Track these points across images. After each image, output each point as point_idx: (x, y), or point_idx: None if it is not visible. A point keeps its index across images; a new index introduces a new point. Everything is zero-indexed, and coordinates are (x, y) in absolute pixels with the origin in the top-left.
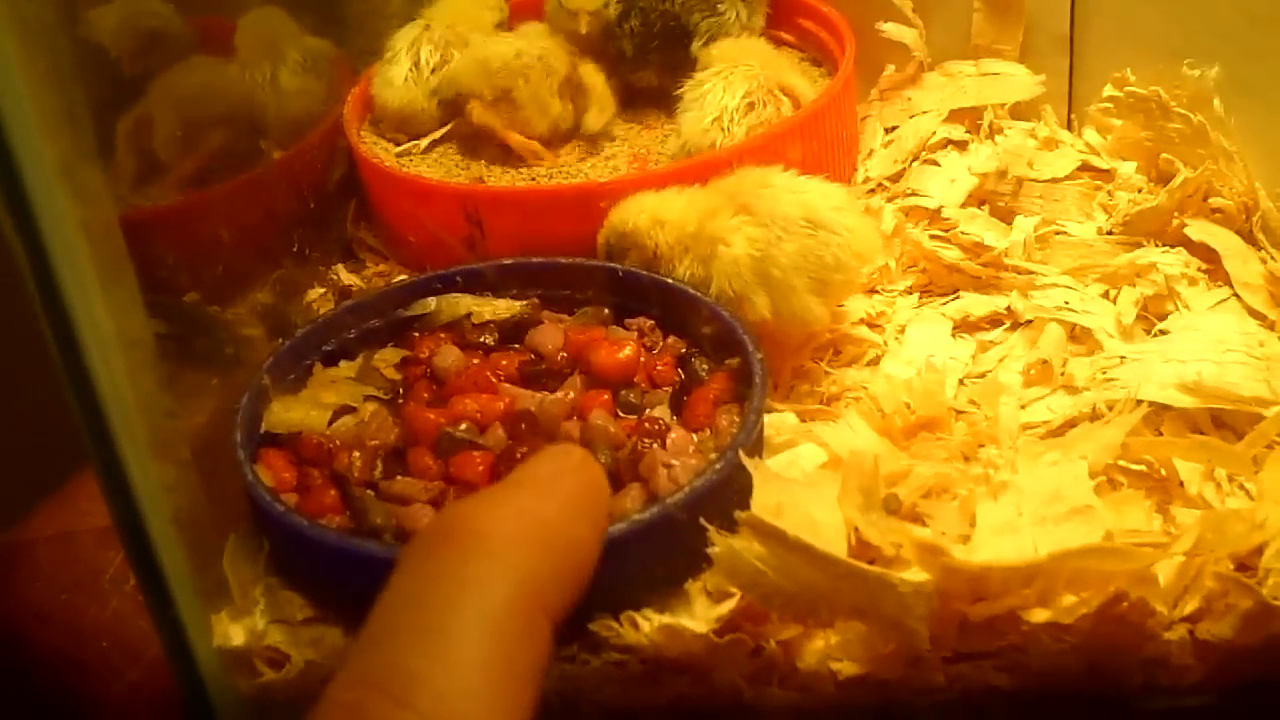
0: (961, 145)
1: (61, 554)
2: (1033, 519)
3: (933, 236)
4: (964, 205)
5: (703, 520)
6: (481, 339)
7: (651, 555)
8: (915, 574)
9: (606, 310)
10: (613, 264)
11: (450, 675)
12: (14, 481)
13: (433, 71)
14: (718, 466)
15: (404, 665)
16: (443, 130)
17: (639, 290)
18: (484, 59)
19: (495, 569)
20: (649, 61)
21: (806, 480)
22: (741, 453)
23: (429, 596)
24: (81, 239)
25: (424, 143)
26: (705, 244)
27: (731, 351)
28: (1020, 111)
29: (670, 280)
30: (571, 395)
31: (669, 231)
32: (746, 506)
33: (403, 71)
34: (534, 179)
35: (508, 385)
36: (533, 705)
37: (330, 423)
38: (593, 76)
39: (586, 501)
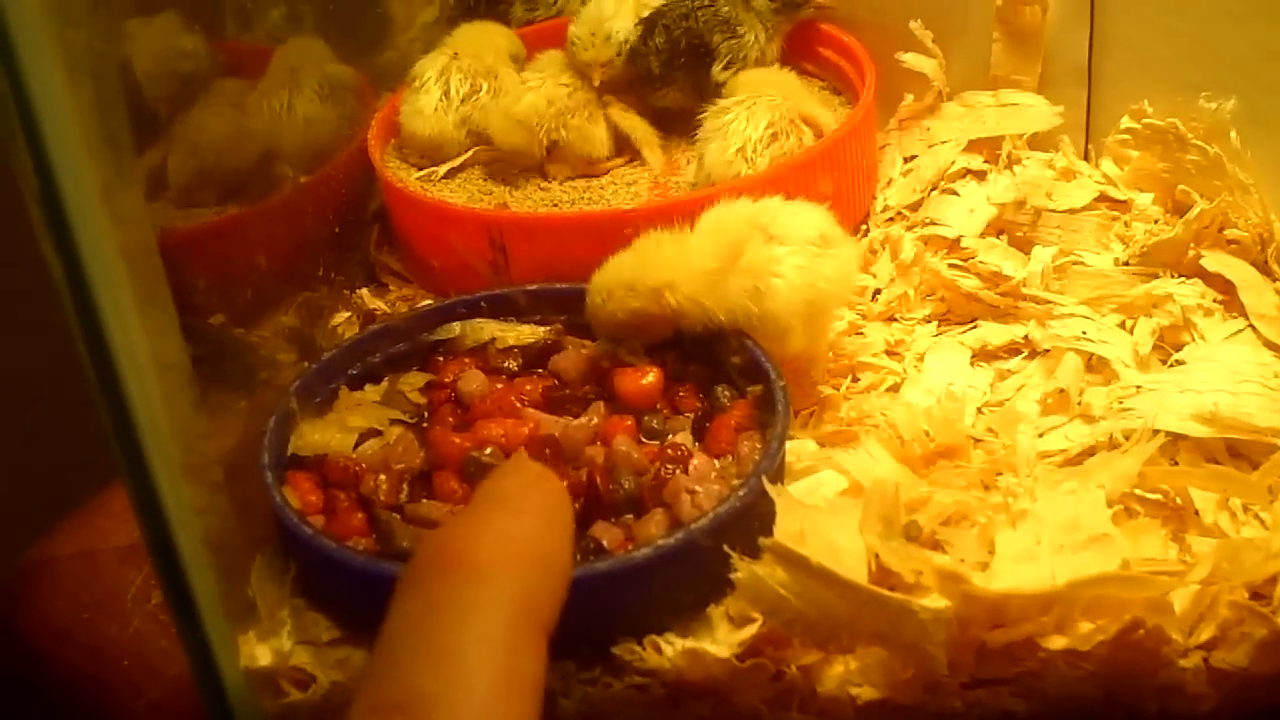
0: (980, 175)
1: (83, 572)
2: (1051, 547)
3: (951, 265)
4: (982, 235)
5: (726, 546)
6: (505, 364)
7: (675, 580)
8: (935, 600)
9: (626, 352)
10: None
11: (464, 693)
12: (31, 499)
13: (462, 101)
14: (741, 493)
15: (419, 688)
16: (463, 157)
17: None
18: (522, 117)
19: (489, 592)
20: (675, 79)
21: (828, 507)
22: (765, 479)
23: (432, 624)
24: (120, 263)
25: (442, 169)
26: (748, 278)
27: (754, 379)
28: (1038, 142)
29: None
30: (595, 421)
31: (687, 284)
32: (769, 533)
33: (433, 101)
34: (556, 205)
35: (532, 410)
36: (539, 714)
37: (356, 446)
38: (627, 117)
39: (555, 514)
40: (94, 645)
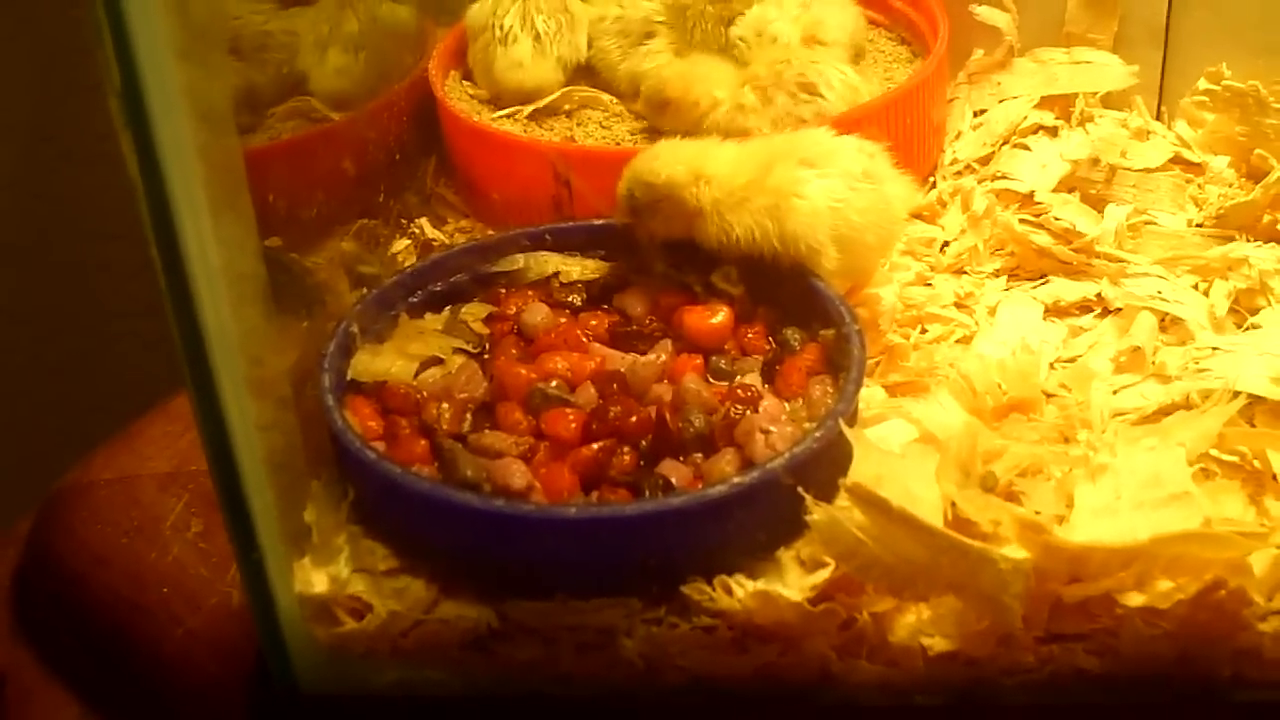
0: (1052, 131)
1: (122, 498)
2: (1131, 503)
3: (1023, 220)
4: (1054, 191)
5: (800, 488)
6: (569, 299)
7: (749, 520)
8: (1015, 551)
9: (696, 282)
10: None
11: None
12: (69, 423)
13: (552, 42)
14: (818, 434)
15: None
16: (548, 99)
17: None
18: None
19: None
20: None
21: (904, 453)
22: (842, 422)
23: None
24: (199, 164)
25: (527, 109)
26: (770, 196)
27: (825, 323)
28: (1110, 101)
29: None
30: (663, 358)
31: (716, 186)
32: (843, 477)
33: (528, 50)
34: (618, 143)
35: (598, 345)
36: None
37: (417, 374)
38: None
39: None
40: (132, 571)
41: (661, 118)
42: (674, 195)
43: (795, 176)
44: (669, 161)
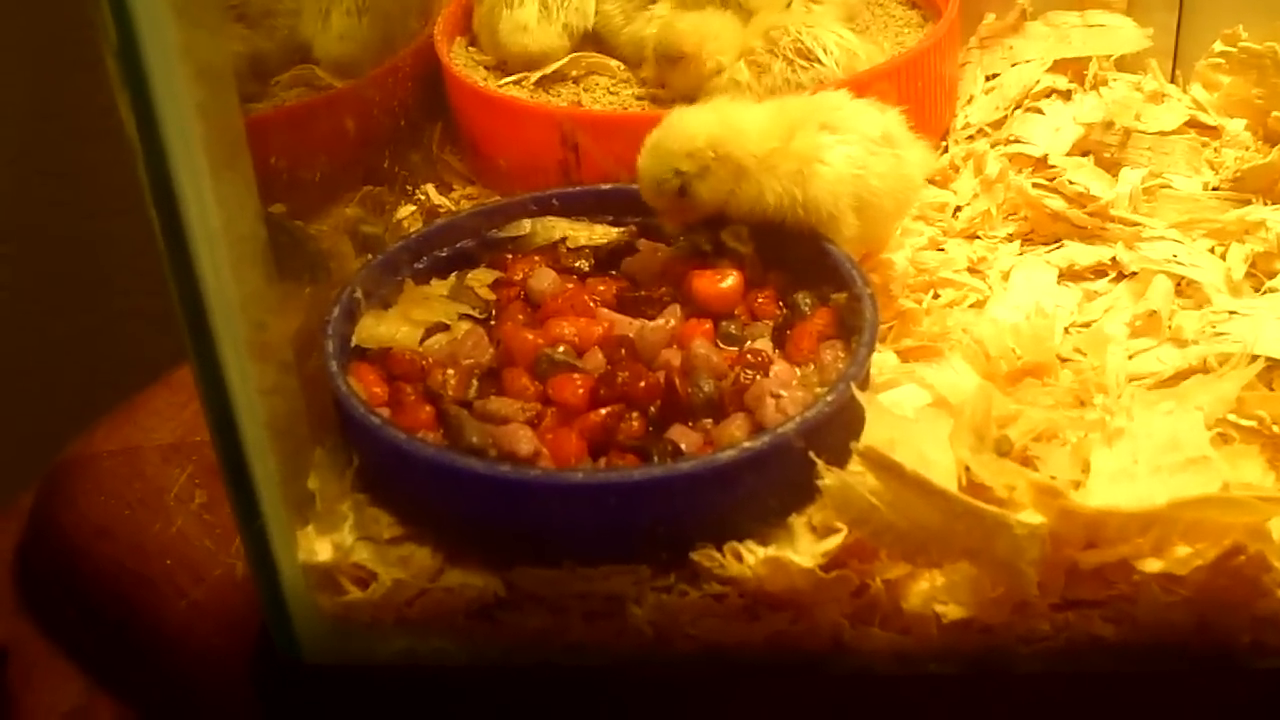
0: (1065, 95)
1: (125, 469)
2: (1149, 467)
3: (1036, 184)
4: (1068, 154)
5: (811, 453)
6: (576, 264)
7: (760, 485)
8: (1030, 516)
9: (705, 241)
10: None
11: None
12: (72, 395)
13: (560, 7)
14: (829, 398)
15: None
16: (555, 65)
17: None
18: None
19: None
20: None
21: (918, 418)
22: (854, 386)
23: None
24: (197, 124)
25: (535, 75)
26: (794, 162)
27: (837, 287)
28: (1124, 65)
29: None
30: (671, 323)
31: (755, 147)
32: (854, 441)
33: (534, 14)
34: (625, 108)
35: (605, 310)
36: None
37: (422, 340)
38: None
39: None
40: (135, 543)
41: (672, 73)
42: (721, 154)
43: (818, 142)
44: (703, 123)
